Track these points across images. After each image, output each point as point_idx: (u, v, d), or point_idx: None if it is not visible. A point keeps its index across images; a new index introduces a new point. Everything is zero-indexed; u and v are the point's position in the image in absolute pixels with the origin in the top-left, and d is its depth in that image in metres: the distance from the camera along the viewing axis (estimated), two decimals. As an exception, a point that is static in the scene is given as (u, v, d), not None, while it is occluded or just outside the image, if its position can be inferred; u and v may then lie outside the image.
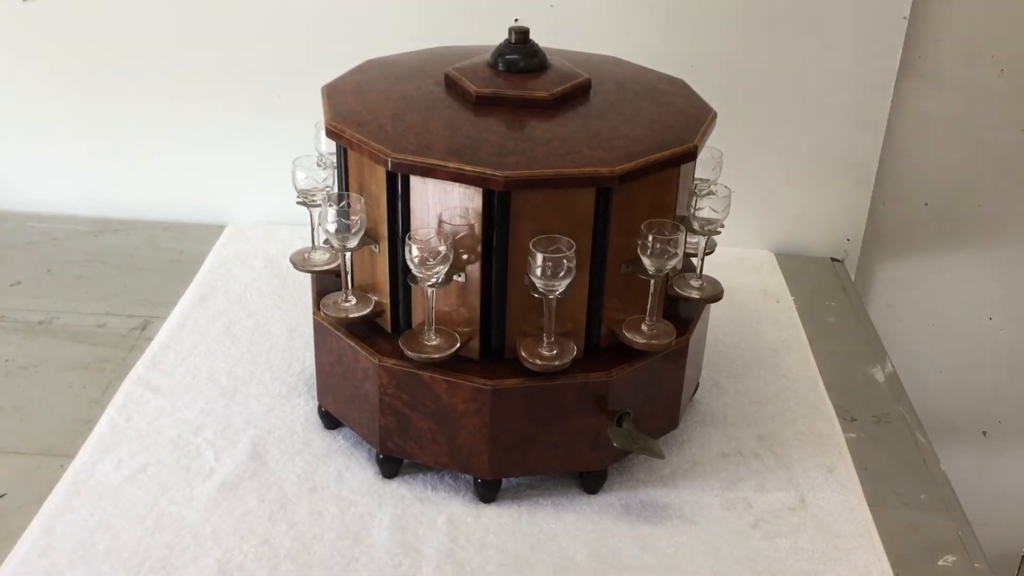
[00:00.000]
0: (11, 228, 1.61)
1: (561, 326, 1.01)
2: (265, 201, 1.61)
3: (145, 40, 1.52)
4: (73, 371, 1.27)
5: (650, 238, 0.98)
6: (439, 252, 0.96)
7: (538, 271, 0.95)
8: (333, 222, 1.01)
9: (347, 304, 1.08)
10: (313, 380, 1.18)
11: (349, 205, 1.01)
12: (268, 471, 1.09)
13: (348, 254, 1.06)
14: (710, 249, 1.17)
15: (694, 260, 1.15)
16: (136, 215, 1.64)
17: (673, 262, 1.00)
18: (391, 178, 0.99)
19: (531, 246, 0.95)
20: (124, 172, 1.62)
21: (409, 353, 1.00)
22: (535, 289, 0.96)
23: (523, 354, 1.00)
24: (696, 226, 1.09)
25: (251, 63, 1.53)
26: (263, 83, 1.53)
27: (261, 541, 1.00)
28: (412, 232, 0.98)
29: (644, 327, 1.05)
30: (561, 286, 0.95)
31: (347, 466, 1.11)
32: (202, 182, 1.62)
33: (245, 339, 1.32)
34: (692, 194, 1.08)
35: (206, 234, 1.58)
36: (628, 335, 1.04)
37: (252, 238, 1.57)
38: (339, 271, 1.09)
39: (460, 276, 0.99)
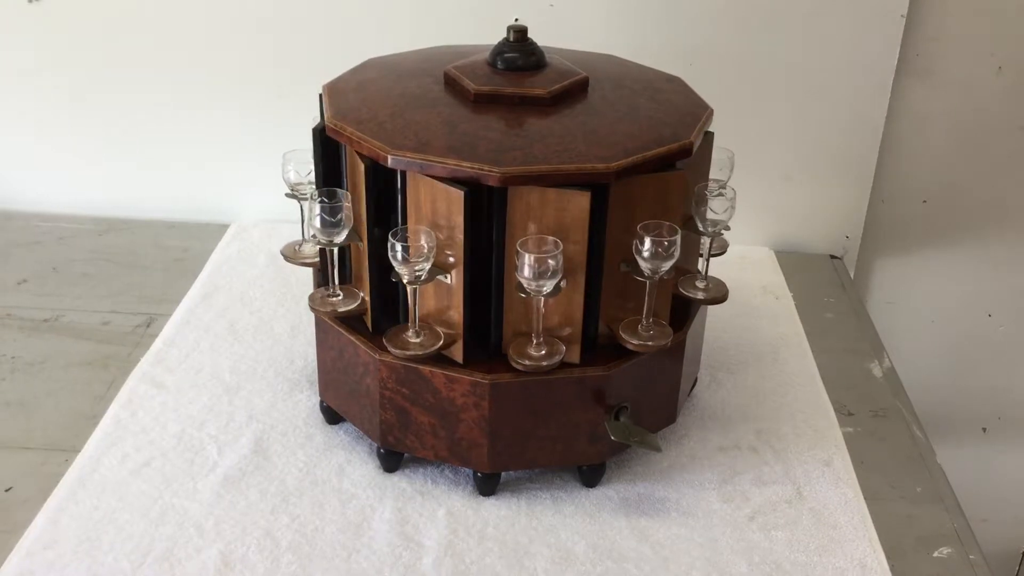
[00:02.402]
0: (17, 227, 1.62)
1: (559, 322, 1.02)
2: (268, 200, 1.61)
3: (150, 41, 1.54)
4: (78, 368, 1.28)
5: (647, 240, 0.98)
6: (422, 250, 0.97)
7: (526, 271, 0.95)
8: (318, 217, 1.02)
9: (334, 299, 1.09)
10: (315, 376, 1.20)
11: (337, 200, 1.02)
12: (270, 465, 1.11)
13: (334, 249, 1.07)
14: (721, 250, 1.18)
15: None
16: (141, 214, 1.66)
17: (669, 264, 1.00)
18: (371, 174, 0.99)
19: (518, 247, 0.95)
20: (129, 172, 1.64)
21: (392, 350, 1.01)
22: (523, 289, 0.97)
23: (512, 354, 1.00)
24: (700, 227, 1.09)
25: (254, 63, 1.54)
26: (266, 83, 1.55)
27: (263, 534, 1.02)
28: (395, 229, 0.98)
29: (640, 329, 1.05)
30: (548, 286, 0.96)
31: (348, 460, 1.12)
32: (206, 181, 1.64)
33: (248, 336, 1.33)
34: (703, 195, 1.08)
35: (210, 232, 1.60)
36: (624, 336, 1.04)
37: (255, 236, 1.59)
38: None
39: (446, 277, 0.99)
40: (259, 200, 1.62)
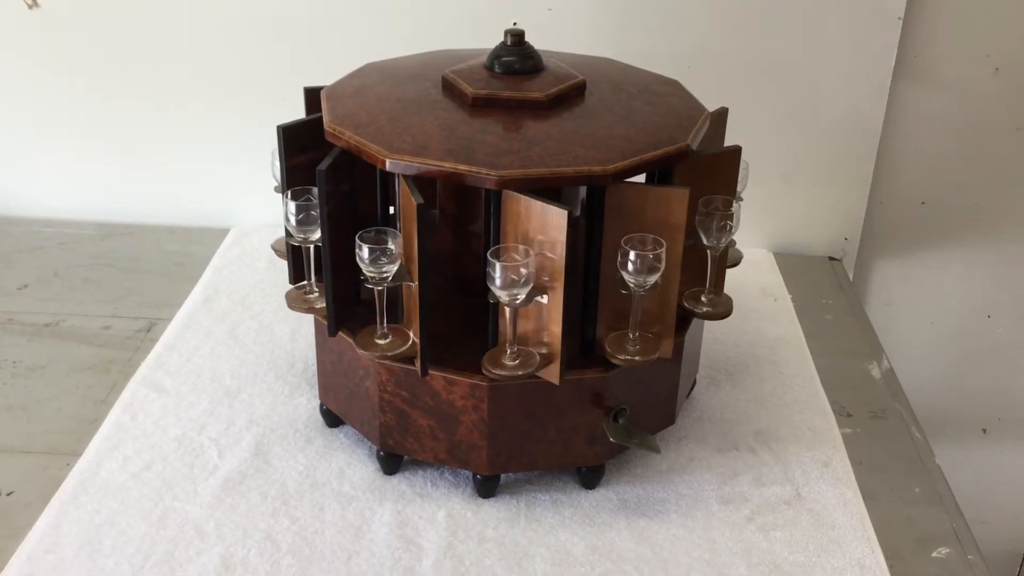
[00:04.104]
0: (19, 233, 1.63)
1: (539, 334, 1.01)
2: (269, 204, 1.62)
3: (150, 46, 1.54)
4: (80, 372, 1.29)
5: (631, 254, 0.97)
6: (388, 252, 0.97)
7: (497, 280, 0.94)
8: (294, 215, 1.04)
9: (311, 296, 1.11)
10: (315, 379, 1.20)
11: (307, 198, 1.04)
12: (271, 468, 1.11)
13: (311, 247, 1.08)
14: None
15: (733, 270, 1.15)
16: (141, 219, 1.66)
17: (654, 277, 0.98)
18: (324, 176, 1.00)
19: (488, 255, 0.95)
20: (130, 177, 1.65)
21: (360, 351, 1.02)
22: (495, 298, 0.96)
23: (485, 362, 1.00)
24: (705, 241, 1.08)
25: (255, 67, 1.55)
26: (266, 86, 1.55)
27: (264, 536, 1.02)
28: (363, 231, 0.99)
29: (627, 342, 1.04)
30: (520, 295, 0.95)
31: (348, 463, 1.12)
32: (207, 186, 1.65)
33: (249, 340, 1.34)
34: (706, 209, 1.07)
35: (211, 237, 1.61)
36: (609, 349, 1.03)
37: (256, 241, 1.59)
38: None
39: (413, 283, 0.99)
40: (260, 204, 1.62)
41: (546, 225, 0.94)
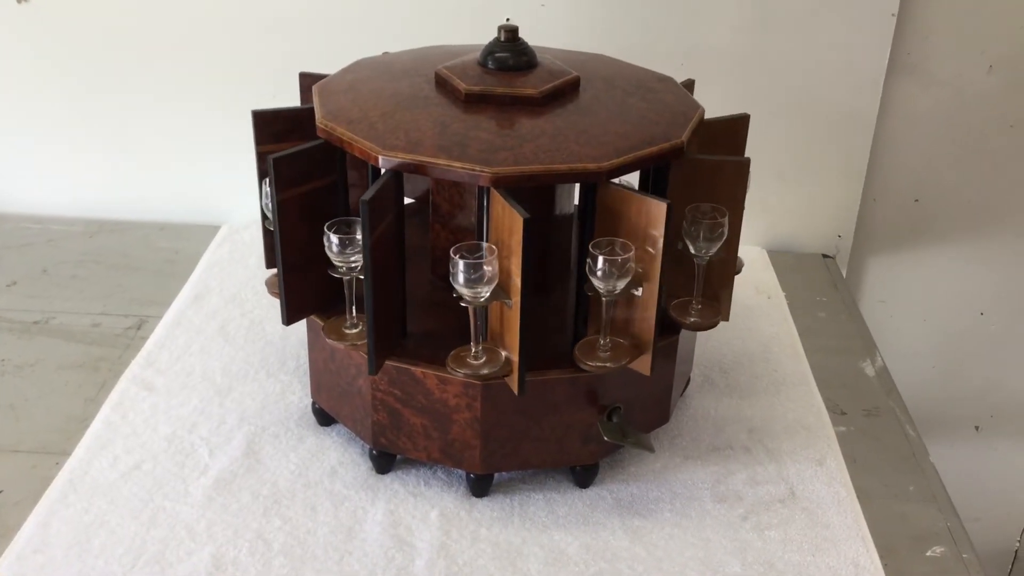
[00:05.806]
0: (7, 229, 1.62)
1: (513, 335, 0.99)
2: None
3: (140, 41, 1.53)
4: (69, 370, 1.27)
5: (600, 259, 0.95)
6: (356, 242, 0.97)
7: (460, 278, 0.93)
8: (269, 201, 1.04)
9: None
10: (307, 377, 1.19)
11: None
12: (262, 467, 1.10)
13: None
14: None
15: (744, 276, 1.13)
16: (131, 216, 1.65)
17: (623, 283, 0.96)
18: (275, 165, 0.99)
19: (452, 252, 0.93)
20: (119, 173, 1.64)
21: (329, 341, 1.03)
22: (461, 297, 0.95)
23: (450, 362, 0.98)
24: (692, 250, 1.06)
25: (247, 64, 1.54)
26: (258, 84, 1.54)
27: (255, 536, 1.01)
28: (330, 222, 0.99)
29: (598, 349, 1.02)
30: (485, 292, 0.94)
31: (341, 462, 1.11)
32: (197, 183, 1.63)
33: (240, 337, 1.33)
34: (694, 217, 1.05)
35: (201, 234, 1.60)
36: (578, 354, 1.01)
37: (246, 238, 1.58)
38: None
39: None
40: (250, 202, 1.61)
41: (512, 227, 0.92)
